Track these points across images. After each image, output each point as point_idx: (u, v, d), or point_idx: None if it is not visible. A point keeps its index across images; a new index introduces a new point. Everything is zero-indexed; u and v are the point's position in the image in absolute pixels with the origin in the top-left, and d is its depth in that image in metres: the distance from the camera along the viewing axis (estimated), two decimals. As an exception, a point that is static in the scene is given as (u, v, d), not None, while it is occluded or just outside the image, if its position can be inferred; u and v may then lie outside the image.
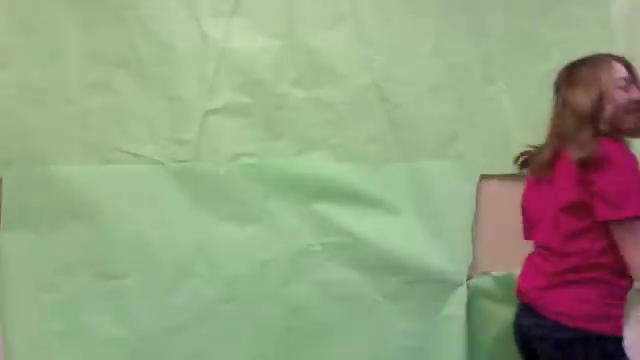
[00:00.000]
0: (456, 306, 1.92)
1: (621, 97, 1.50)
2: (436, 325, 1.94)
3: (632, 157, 1.44)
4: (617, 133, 1.50)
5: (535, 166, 1.60)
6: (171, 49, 1.97)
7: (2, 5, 1.94)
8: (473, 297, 1.93)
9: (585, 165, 1.41)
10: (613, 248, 1.43)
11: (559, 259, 1.49)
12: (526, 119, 1.97)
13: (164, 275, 1.92)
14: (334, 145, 1.99)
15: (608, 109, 1.49)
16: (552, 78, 1.96)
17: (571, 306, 1.44)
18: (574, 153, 1.44)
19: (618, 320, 1.46)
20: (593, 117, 1.48)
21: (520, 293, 1.58)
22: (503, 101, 2.01)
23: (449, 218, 1.98)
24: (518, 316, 1.59)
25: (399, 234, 1.97)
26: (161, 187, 1.94)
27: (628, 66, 1.56)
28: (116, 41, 1.97)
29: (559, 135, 1.54)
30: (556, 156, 1.52)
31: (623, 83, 1.52)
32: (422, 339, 1.94)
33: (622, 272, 1.44)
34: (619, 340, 1.45)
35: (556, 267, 1.49)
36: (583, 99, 1.51)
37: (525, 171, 1.68)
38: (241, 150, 1.97)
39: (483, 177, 2.01)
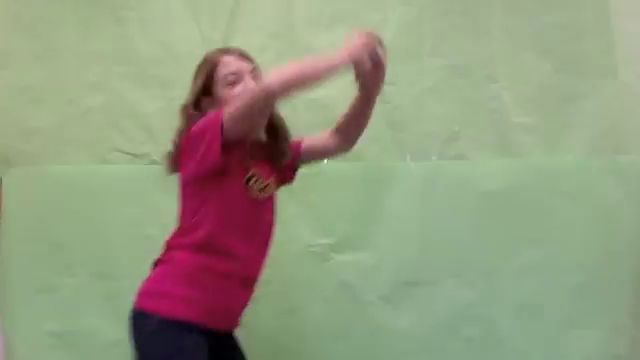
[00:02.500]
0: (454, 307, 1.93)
1: (227, 94, 1.46)
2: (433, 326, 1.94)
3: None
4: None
5: None
6: (171, 49, 1.97)
7: (2, 5, 1.95)
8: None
9: None
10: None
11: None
12: (527, 119, 1.97)
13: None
14: (334, 145, 1.98)
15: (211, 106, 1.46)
16: (552, 78, 1.99)
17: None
18: None
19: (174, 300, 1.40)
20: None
21: None
22: (504, 100, 2.00)
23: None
24: None
25: (398, 235, 1.97)
26: (160, 187, 1.94)
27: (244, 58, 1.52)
28: (116, 41, 1.97)
29: None
30: None
31: (232, 78, 1.48)
32: (420, 340, 1.94)
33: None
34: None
35: None
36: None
37: None
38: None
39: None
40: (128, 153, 1.95)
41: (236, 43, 1.97)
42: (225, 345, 1.53)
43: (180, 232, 1.49)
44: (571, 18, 1.99)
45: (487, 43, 2.01)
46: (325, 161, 1.98)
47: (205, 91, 1.49)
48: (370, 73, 1.39)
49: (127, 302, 1.91)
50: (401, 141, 1.99)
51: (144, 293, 1.45)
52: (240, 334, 1.94)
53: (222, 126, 1.34)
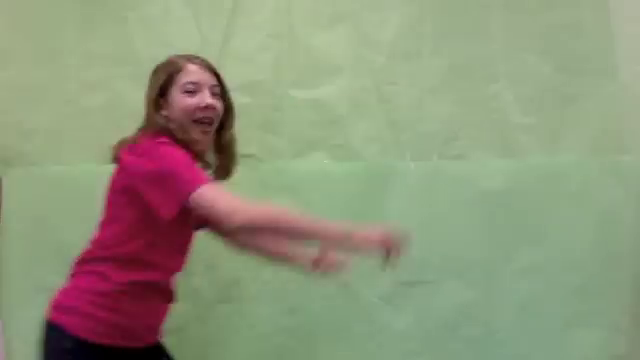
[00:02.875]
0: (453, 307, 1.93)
1: (185, 102, 1.45)
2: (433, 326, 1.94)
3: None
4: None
5: None
6: (171, 49, 1.96)
7: (2, 5, 1.94)
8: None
9: None
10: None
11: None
12: (527, 119, 1.97)
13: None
14: (334, 145, 1.98)
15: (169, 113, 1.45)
16: (552, 78, 1.99)
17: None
18: None
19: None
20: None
21: None
22: (505, 100, 2.00)
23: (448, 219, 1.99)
24: None
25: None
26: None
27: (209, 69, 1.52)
28: (116, 41, 1.97)
29: None
30: None
31: (191, 87, 1.46)
32: (420, 340, 1.94)
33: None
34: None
35: None
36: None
37: None
38: (240, 151, 1.96)
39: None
40: (128, 153, 1.95)
41: (236, 43, 1.98)
42: (149, 356, 1.52)
43: (107, 245, 1.44)
44: (571, 18, 1.99)
45: (487, 43, 2.01)
46: (325, 161, 1.99)
47: (161, 92, 1.48)
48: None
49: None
50: (401, 141, 1.99)
51: (61, 307, 1.42)
52: (240, 334, 1.95)
53: (187, 198, 1.32)
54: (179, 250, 1.48)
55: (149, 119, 1.49)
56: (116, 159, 1.47)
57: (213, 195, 1.33)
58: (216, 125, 1.54)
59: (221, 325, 1.93)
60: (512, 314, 1.93)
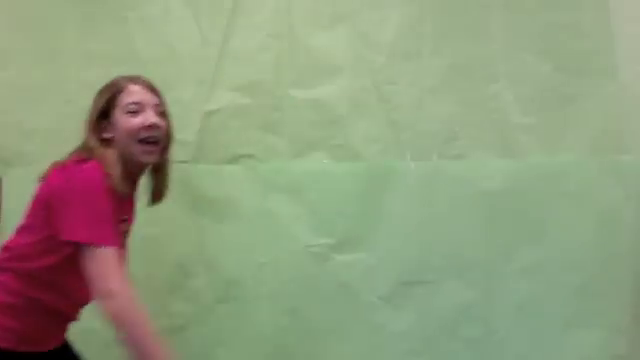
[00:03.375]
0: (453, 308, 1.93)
1: (129, 123, 1.42)
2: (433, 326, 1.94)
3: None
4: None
5: None
6: (170, 49, 1.97)
7: (2, 5, 1.94)
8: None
9: None
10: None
11: None
12: (527, 119, 1.97)
13: (162, 276, 1.92)
14: (334, 145, 1.98)
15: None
16: (552, 78, 1.99)
17: None
18: None
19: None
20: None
21: None
22: (505, 100, 2.00)
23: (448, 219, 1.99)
24: None
25: (398, 235, 1.97)
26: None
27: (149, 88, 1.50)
28: (116, 41, 1.97)
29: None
30: None
31: (133, 107, 1.44)
32: (420, 340, 1.94)
33: None
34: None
35: None
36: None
37: None
38: (241, 151, 1.97)
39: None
40: (128, 153, 1.95)
41: (236, 43, 1.98)
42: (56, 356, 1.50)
43: (15, 254, 1.40)
44: (571, 18, 1.99)
45: (487, 43, 2.01)
46: (325, 161, 1.99)
47: (103, 114, 1.46)
48: None
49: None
50: (401, 141, 1.99)
51: None
52: (240, 334, 1.95)
53: (88, 242, 1.29)
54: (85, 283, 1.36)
55: (84, 142, 1.47)
56: (44, 177, 1.45)
57: (105, 267, 1.29)
58: (162, 145, 1.50)
59: (221, 325, 1.93)
60: (512, 314, 1.93)
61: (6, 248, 1.44)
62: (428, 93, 2.00)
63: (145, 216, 1.94)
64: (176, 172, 1.95)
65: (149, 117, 1.45)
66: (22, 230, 1.44)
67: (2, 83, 1.94)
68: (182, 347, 1.91)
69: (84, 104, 1.95)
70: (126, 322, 1.30)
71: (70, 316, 1.50)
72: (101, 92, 1.50)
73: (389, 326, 1.95)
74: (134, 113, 1.44)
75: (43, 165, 1.93)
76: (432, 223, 1.96)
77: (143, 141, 1.44)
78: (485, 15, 2.01)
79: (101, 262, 1.29)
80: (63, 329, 1.51)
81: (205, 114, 1.96)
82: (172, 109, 1.95)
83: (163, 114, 1.50)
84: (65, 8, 1.96)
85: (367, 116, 1.98)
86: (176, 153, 1.95)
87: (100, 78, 1.95)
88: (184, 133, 1.95)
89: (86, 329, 1.91)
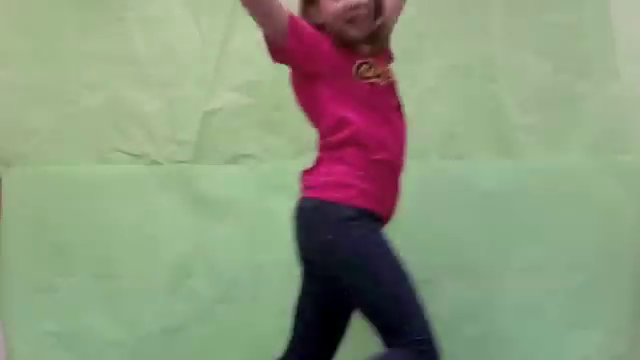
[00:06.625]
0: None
1: (334, 7, 1.46)
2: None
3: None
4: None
5: None
6: (171, 49, 1.97)
7: (2, 5, 1.95)
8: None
9: None
10: (344, 123, 1.43)
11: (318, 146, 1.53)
12: (527, 119, 1.97)
13: (162, 276, 1.92)
14: (334, 145, 1.98)
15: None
16: (552, 78, 1.99)
17: (316, 179, 1.47)
18: None
19: (361, 191, 1.42)
20: None
21: None
22: (504, 100, 2.00)
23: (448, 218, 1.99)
24: None
25: (398, 235, 1.97)
26: (160, 188, 1.94)
27: None
28: (116, 41, 1.97)
29: None
30: None
31: None
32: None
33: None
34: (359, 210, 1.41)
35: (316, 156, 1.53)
36: None
37: None
38: (240, 151, 1.97)
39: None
40: (128, 153, 1.95)
41: (236, 43, 1.98)
42: None
43: (325, 133, 1.49)
44: (571, 18, 1.99)
45: (487, 43, 2.00)
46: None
47: (309, 2, 1.51)
48: None
49: (127, 302, 1.93)
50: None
51: (323, 186, 1.45)
52: (240, 334, 1.95)
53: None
54: (386, 122, 1.49)
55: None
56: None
57: None
58: (371, 14, 1.51)
59: (221, 325, 1.93)
60: (512, 314, 1.93)
61: (323, 134, 1.50)
62: (428, 93, 2.00)
63: (145, 216, 1.95)
64: (176, 172, 1.96)
65: None
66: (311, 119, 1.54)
67: (2, 83, 1.94)
68: (182, 347, 1.91)
69: (84, 104, 1.97)
70: None
71: (399, 162, 1.54)
72: None
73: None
74: None
75: (43, 165, 1.94)
76: (432, 223, 1.96)
77: (351, 21, 1.47)
78: (485, 15, 2.01)
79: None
80: (397, 185, 1.54)
81: (205, 114, 1.96)
82: (172, 109, 1.97)
83: None
84: (65, 8, 1.96)
85: (367, 116, 1.98)
86: (176, 153, 1.96)
87: (100, 78, 1.97)
88: (184, 133, 1.96)
89: (87, 328, 1.93)
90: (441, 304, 1.94)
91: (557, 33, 1.98)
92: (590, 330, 1.91)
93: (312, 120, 1.54)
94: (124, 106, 1.95)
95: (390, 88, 1.56)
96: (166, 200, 1.94)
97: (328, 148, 1.48)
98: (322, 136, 1.51)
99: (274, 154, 1.98)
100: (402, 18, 2.00)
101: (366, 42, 1.51)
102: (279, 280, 1.93)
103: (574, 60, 1.98)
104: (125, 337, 1.90)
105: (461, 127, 2.00)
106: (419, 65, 1.99)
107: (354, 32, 1.48)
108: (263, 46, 1.96)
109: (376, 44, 1.55)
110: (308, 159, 1.97)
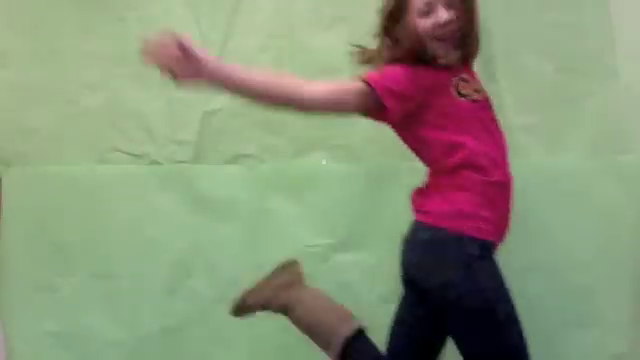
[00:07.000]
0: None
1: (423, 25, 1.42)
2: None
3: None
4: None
5: None
6: (171, 49, 1.96)
7: (2, 5, 1.94)
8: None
9: None
10: (457, 146, 1.38)
11: (429, 170, 1.48)
12: (527, 119, 1.97)
13: (162, 276, 1.93)
14: (334, 145, 1.99)
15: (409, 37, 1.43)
16: (552, 78, 1.99)
17: (433, 204, 1.40)
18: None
19: (482, 221, 1.36)
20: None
21: None
22: (504, 100, 2.00)
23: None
24: None
25: (398, 235, 1.97)
26: (160, 187, 1.95)
27: None
28: (116, 41, 1.97)
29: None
30: None
31: (424, 8, 1.42)
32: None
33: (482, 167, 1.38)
34: (482, 243, 1.35)
35: (427, 178, 1.48)
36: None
37: None
38: (240, 151, 1.97)
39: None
40: (128, 153, 1.95)
41: (236, 43, 1.98)
42: None
43: (437, 159, 1.43)
44: (571, 18, 1.99)
45: (487, 43, 2.00)
46: (324, 162, 1.99)
47: (393, 18, 1.46)
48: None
49: (127, 302, 1.93)
50: (401, 141, 1.99)
51: (442, 214, 1.37)
52: (240, 334, 1.95)
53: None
54: (491, 138, 1.44)
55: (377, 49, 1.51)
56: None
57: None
58: (459, 34, 1.46)
59: (221, 325, 1.93)
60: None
61: (433, 163, 1.46)
62: (428, 93, 2.00)
63: (145, 216, 1.95)
64: (176, 172, 1.96)
65: (441, 14, 1.42)
66: (426, 150, 1.47)
67: (2, 83, 1.94)
68: (182, 347, 1.91)
69: (84, 104, 1.97)
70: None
71: (510, 180, 1.46)
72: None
73: (389, 326, 1.94)
74: (426, 13, 1.42)
75: (43, 165, 1.94)
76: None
77: (439, 39, 1.42)
78: (485, 15, 2.00)
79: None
80: (510, 202, 1.46)
81: (205, 114, 1.96)
82: (172, 109, 1.97)
83: (452, 4, 1.44)
84: (65, 8, 1.96)
85: (367, 116, 1.98)
86: (175, 153, 1.96)
87: (100, 78, 1.97)
88: (184, 133, 1.96)
89: (87, 328, 1.93)
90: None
91: (557, 33, 1.98)
92: (590, 330, 1.91)
93: (423, 154, 1.49)
94: (124, 106, 1.95)
95: (487, 102, 1.51)
96: (166, 200, 1.95)
97: (442, 172, 1.42)
98: (434, 161, 1.45)
99: (274, 154, 1.98)
100: (402, 18, 2.01)
101: (457, 58, 1.47)
102: (279, 280, 1.94)
103: (574, 60, 1.97)
104: (125, 337, 1.90)
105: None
106: (419, 65, 1.99)
107: (444, 51, 1.43)
108: (263, 46, 1.98)
109: (468, 59, 1.51)
110: (308, 159, 1.99)
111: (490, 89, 1.98)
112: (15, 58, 1.95)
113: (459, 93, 1.42)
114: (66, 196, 1.93)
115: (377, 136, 1.98)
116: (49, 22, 1.95)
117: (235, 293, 1.94)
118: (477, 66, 1.99)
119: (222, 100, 1.97)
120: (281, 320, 1.94)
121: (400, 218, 1.96)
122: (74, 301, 1.91)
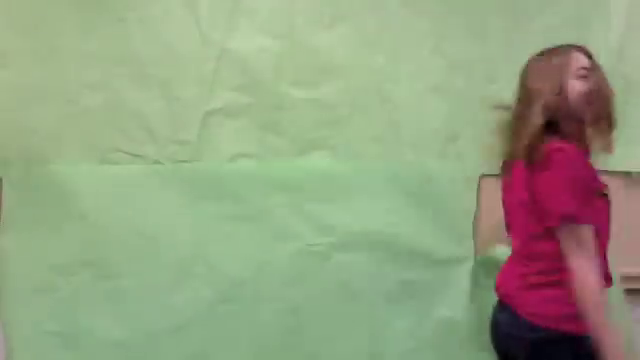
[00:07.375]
0: (454, 307, 1.93)
1: (581, 87, 1.46)
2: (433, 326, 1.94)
3: (577, 159, 1.41)
4: (577, 124, 1.46)
5: (502, 164, 1.60)
6: (171, 49, 1.97)
7: (2, 5, 1.94)
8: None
9: (529, 165, 1.42)
10: None
11: (526, 261, 1.47)
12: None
13: (163, 275, 1.92)
14: (334, 145, 1.99)
15: (568, 99, 1.45)
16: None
17: (542, 307, 1.42)
18: (519, 152, 1.44)
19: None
20: (552, 107, 1.45)
21: (497, 289, 1.57)
22: (504, 100, 2.00)
23: (449, 217, 1.99)
24: (495, 310, 1.56)
25: (398, 234, 1.97)
26: (161, 187, 1.94)
27: (589, 56, 1.52)
28: (116, 41, 1.96)
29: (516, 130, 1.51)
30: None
31: (583, 72, 1.47)
32: (420, 340, 1.95)
33: None
34: (589, 339, 1.37)
35: (524, 269, 1.47)
36: (542, 87, 1.48)
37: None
38: (241, 150, 1.97)
39: (483, 176, 2.02)
40: (128, 153, 1.95)
41: (236, 43, 1.98)
42: None
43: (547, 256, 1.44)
44: (571, 18, 1.99)
45: (487, 43, 2.01)
46: (325, 161, 1.99)
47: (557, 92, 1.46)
48: None
49: (127, 302, 1.93)
50: (401, 141, 1.99)
51: (564, 316, 1.40)
52: (240, 334, 1.95)
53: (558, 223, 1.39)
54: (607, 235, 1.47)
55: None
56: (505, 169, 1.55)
57: (579, 253, 1.36)
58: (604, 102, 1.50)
59: (221, 325, 1.93)
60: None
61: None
62: (428, 93, 2.00)
63: (146, 216, 1.95)
64: (177, 172, 1.96)
65: (591, 81, 1.47)
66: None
67: (2, 83, 1.94)
68: (183, 347, 1.91)
69: (84, 104, 1.97)
70: (591, 314, 1.34)
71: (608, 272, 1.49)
72: (546, 71, 1.51)
73: (389, 325, 1.95)
74: (583, 77, 1.46)
75: (43, 165, 1.94)
76: (432, 222, 1.96)
77: (590, 102, 1.46)
78: (485, 15, 2.02)
79: (574, 246, 1.38)
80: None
81: (205, 113, 1.96)
82: (172, 109, 1.97)
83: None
84: (65, 8, 1.95)
85: (367, 116, 1.98)
86: (176, 153, 1.96)
87: (100, 78, 1.96)
88: (184, 133, 1.96)
89: (87, 328, 1.93)
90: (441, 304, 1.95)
91: (557, 33, 1.98)
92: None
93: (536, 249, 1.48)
94: (124, 106, 1.95)
95: (609, 201, 1.52)
96: (166, 200, 1.94)
97: (544, 264, 1.44)
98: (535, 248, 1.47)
99: (274, 154, 1.98)
100: (402, 18, 2.01)
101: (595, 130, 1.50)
102: (280, 280, 1.94)
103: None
104: (125, 337, 1.90)
105: (461, 127, 2.00)
106: (419, 65, 2.00)
107: (590, 115, 1.46)
108: (263, 46, 1.98)
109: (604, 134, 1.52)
110: (308, 159, 1.99)
111: (490, 89, 2.01)
112: (15, 58, 1.94)
113: (599, 192, 1.46)
114: (66, 196, 1.93)
115: (377, 136, 1.99)
116: (49, 22, 1.95)
117: (236, 293, 1.95)
118: (477, 66, 2.01)
119: (222, 100, 1.97)
120: (281, 320, 1.95)
121: (400, 218, 1.98)
122: (74, 301, 1.91)
